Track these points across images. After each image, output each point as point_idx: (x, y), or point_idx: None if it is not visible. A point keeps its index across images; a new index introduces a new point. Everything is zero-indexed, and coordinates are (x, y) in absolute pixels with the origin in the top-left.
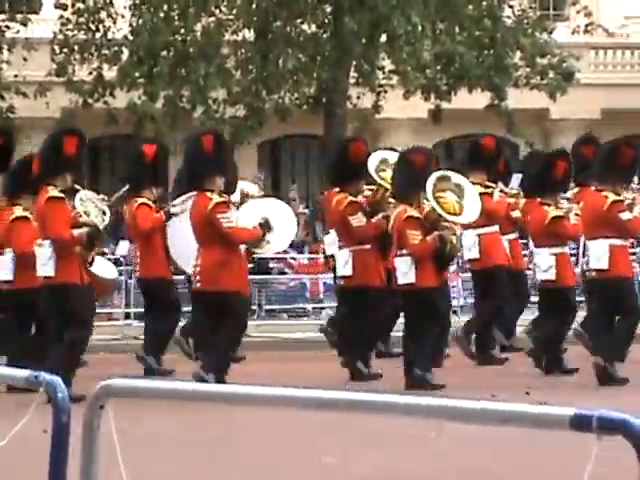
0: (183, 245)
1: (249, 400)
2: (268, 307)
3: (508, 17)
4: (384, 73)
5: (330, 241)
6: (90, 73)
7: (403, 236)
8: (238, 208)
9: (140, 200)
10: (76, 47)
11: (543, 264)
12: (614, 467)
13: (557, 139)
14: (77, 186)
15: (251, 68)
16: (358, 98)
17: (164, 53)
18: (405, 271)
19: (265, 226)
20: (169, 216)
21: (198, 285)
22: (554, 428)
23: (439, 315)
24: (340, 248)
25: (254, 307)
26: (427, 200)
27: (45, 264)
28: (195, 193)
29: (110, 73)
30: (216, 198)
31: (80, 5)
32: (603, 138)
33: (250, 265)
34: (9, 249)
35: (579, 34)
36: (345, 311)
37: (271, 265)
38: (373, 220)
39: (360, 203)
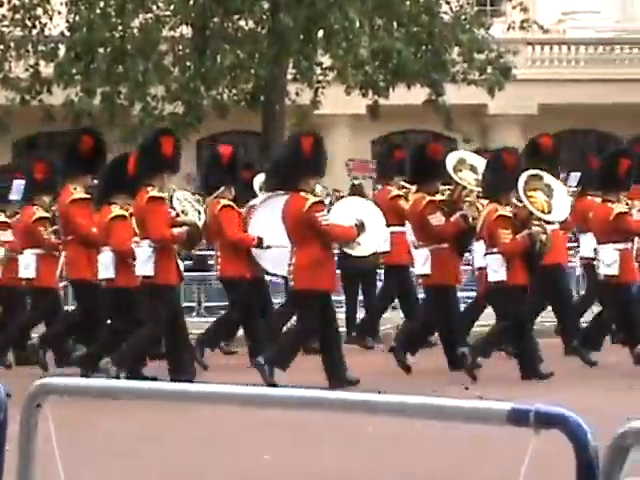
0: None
1: (187, 397)
2: (207, 304)
3: (445, 13)
4: (322, 69)
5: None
6: (27, 70)
7: (494, 234)
8: (329, 210)
9: (223, 202)
10: (12, 44)
11: (607, 259)
12: (552, 461)
13: (495, 134)
14: (173, 186)
15: (189, 65)
16: (297, 94)
17: (101, 50)
18: (496, 269)
19: (360, 227)
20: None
21: (292, 284)
22: (491, 423)
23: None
24: (417, 247)
25: (193, 304)
26: (517, 200)
27: (144, 263)
28: (282, 193)
29: (47, 70)
30: (312, 198)
31: (16, 1)
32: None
33: (189, 262)
34: (107, 247)
35: (515, 30)
36: (427, 308)
37: (210, 262)
38: (451, 219)
39: (437, 202)
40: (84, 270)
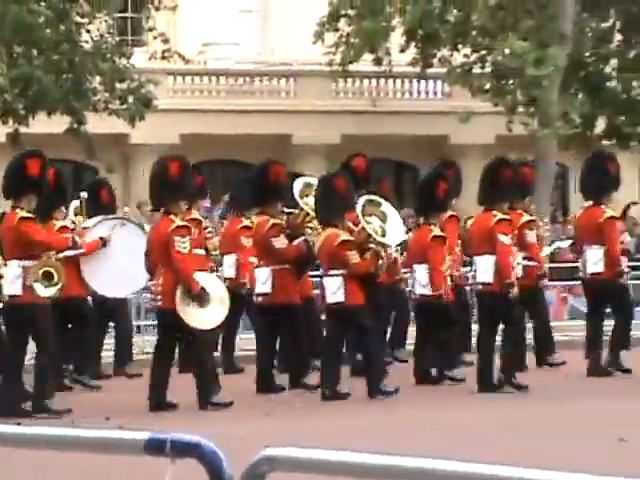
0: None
1: None
2: None
3: (87, 42)
4: None
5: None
6: None
7: (338, 258)
8: None
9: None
10: None
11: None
12: None
13: (137, 163)
14: None
15: None
16: None
17: None
18: (334, 290)
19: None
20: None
21: (159, 304)
22: (130, 453)
23: (367, 330)
24: (258, 267)
25: None
26: (352, 224)
27: (12, 283)
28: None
29: None
30: (177, 222)
31: None
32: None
33: None
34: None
35: (157, 60)
36: (263, 327)
37: None
38: (294, 243)
39: (282, 225)
40: None
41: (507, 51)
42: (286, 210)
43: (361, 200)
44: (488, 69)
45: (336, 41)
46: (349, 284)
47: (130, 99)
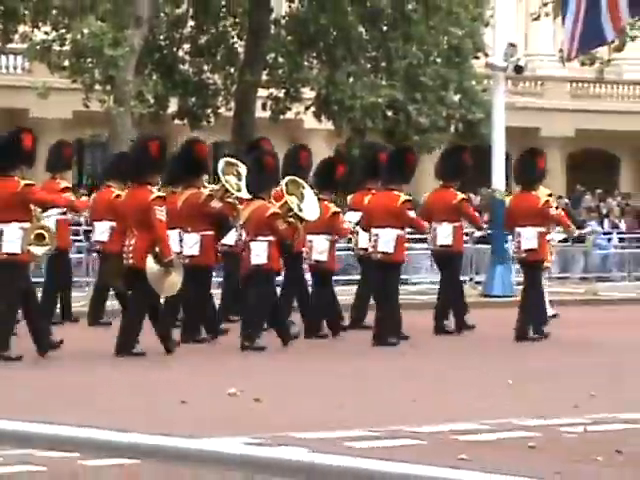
0: None
1: None
2: None
3: None
4: None
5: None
6: None
7: (267, 226)
8: None
9: None
10: None
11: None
12: None
13: None
14: None
15: None
16: None
17: None
18: (259, 253)
19: None
20: None
21: (130, 262)
22: None
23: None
24: (188, 232)
25: None
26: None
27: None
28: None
29: None
30: (156, 192)
31: None
32: None
33: None
34: None
35: None
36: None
37: None
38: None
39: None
40: None
41: (86, 31)
42: (207, 186)
43: (284, 180)
44: (67, 47)
45: None
46: (272, 250)
47: None
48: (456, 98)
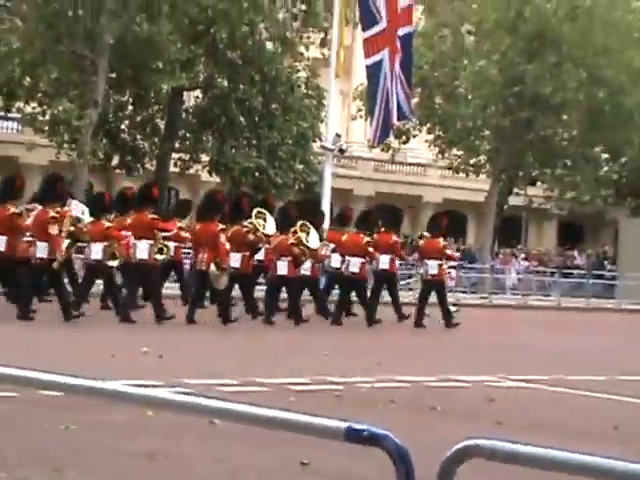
0: None
1: None
2: None
3: None
4: None
5: None
6: None
7: (287, 251)
8: None
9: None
10: None
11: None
12: None
13: None
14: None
15: None
16: None
17: None
18: (281, 268)
19: None
20: None
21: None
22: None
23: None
24: (233, 252)
25: None
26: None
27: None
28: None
29: None
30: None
31: None
32: None
33: None
34: None
35: None
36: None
37: None
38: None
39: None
40: None
41: (60, 108)
42: (245, 224)
43: (299, 223)
44: (48, 118)
45: None
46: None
47: None
48: (300, 167)
